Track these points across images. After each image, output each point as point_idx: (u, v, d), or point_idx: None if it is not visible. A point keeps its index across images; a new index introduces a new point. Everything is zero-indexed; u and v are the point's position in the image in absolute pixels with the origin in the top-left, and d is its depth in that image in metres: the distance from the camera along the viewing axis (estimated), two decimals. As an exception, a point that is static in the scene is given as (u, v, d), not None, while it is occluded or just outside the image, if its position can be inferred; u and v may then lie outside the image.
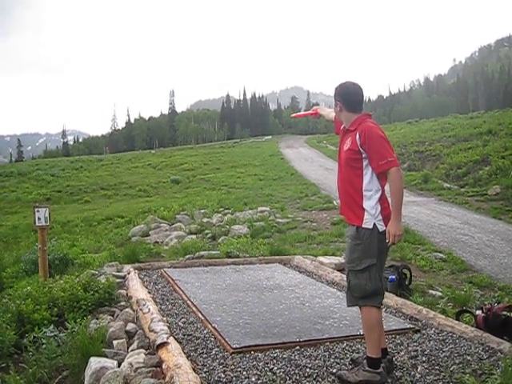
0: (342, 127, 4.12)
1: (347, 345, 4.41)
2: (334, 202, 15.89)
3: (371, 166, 3.73)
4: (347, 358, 4.10)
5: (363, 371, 3.66)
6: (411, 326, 4.93)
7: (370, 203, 3.75)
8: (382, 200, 3.78)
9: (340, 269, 7.68)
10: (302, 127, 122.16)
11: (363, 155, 3.75)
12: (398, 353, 4.24)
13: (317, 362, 4.01)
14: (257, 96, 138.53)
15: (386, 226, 3.68)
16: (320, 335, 4.57)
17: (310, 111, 4.97)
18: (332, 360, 4.05)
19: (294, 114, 5.61)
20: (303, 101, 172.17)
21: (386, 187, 3.75)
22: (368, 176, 3.76)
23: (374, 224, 3.71)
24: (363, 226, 3.72)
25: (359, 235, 3.75)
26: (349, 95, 4.01)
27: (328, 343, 4.42)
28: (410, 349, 4.34)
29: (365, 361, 3.72)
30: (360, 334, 4.59)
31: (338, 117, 4.22)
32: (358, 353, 4.20)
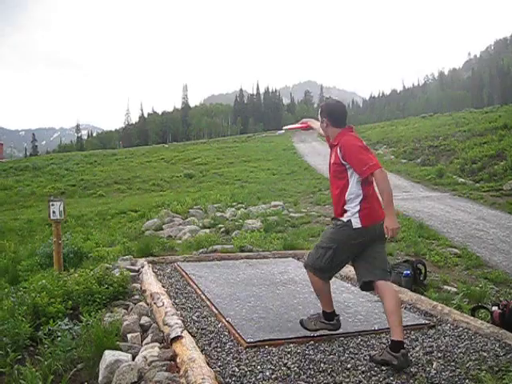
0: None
1: (361, 340, 4.40)
2: (348, 197, 15.85)
3: (357, 174, 4.11)
4: (362, 353, 4.09)
5: (320, 322, 4.43)
6: (426, 322, 4.90)
7: (351, 205, 4.17)
8: (362, 202, 4.16)
9: (354, 264, 7.67)
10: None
11: (347, 166, 4.17)
12: (413, 348, 4.21)
13: (331, 356, 4.00)
14: (270, 90, 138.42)
15: (364, 224, 4.10)
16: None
17: (301, 124, 5.20)
18: (346, 355, 4.03)
19: (286, 127, 5.67)
20: (316, 95, 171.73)
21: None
22: (353, 184, 4.18)
23: (350, 220, 4.13)
24: (341, 219, 4.22)
25: (335, 224, 4.29)
26: (334, 112, 4.43)
27: (342, 338, 4.41)
28: (425, 344, 4.31)
29: (321, 313, 4.46)
30: (375, 330, 4.59)
31: (324, 132, 4.60)
32: (372, 348, 4.19)
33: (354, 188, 4.16)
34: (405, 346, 3.89)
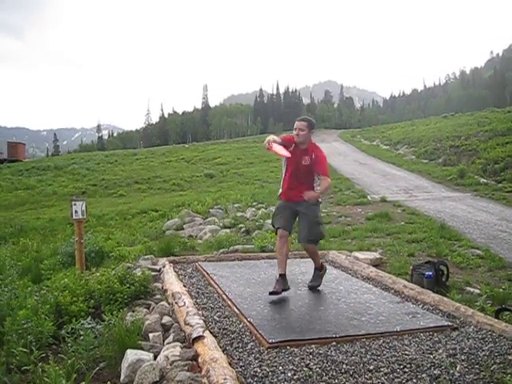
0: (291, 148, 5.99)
1: (384, 341, 4.36)
2: (369, 197, 15.79)
3: (321, 175, 5.97)
4: (384, 354, 4.05)
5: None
6: (449, 324, 4.85)
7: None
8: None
9: (375, 264, 7.64)
10: (336, 122, 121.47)
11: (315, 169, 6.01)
12: (436, 350, 4.16)
13: (353, 358, 3.97)
14: (290, 90, 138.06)
15: (284, 197, 6.24)
16: (356, 331, 4.53)
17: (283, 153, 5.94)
18: (369, 356, 4.00)
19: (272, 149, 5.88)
20: (336, 95, 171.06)
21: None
22: (316, 179, 6.06)
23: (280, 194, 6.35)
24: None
25: (316, 203, 6.06)
26: (314, 127, 6.26)
27: (364, 339, 4.38)
28: (448, 347, 4.26)
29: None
30: (397, 331, 4.55)
31: (302, 137, 6.06)
32: (395, 349, 4.16)
33: (317, 181, 5.99)
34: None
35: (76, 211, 7.63)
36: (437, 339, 4.46)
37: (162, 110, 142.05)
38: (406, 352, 4.09)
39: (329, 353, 4.07)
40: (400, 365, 3.82)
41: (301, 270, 7.19)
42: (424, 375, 3.64)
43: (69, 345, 4.36)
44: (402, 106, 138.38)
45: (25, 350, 4.27)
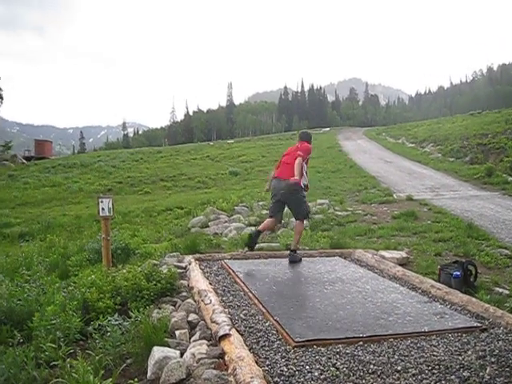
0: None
1: (412, 342, 4.31)
2: (394, 196, 15.67)
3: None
4: (412, 355, 4.01)
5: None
6: (478, 325, 4.78)
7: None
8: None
9: (402, 263, 7.57)
10: (361, 119, 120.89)
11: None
12: (465, 352, 4.10)
13: (381, 358, 3.94)
14: (315, 88, 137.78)
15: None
16: (383, 331, 4.49)
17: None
18: (396, 357, 3.96)
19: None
20: (361, 92, 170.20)
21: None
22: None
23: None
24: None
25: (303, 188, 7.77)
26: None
27: (392, 339, 4.33)
28: (477, 348, 4.19)
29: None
30: (425, 332, 4.50)
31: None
32: (423, 350, 4.11)
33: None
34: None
35: (103, 208, 7.69)
36: (465, 340, 4.39)
37: (186, 108, 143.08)
38: (435, 353, 4.04)
39: (356, 352, 4.04)
40: (428, 366, 3.77)
41: (326, 268, 7.15)
42: (453, 377, 3.59)
43: (96, 341, 4.39)
44: (427, 103, 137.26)
45: (53, 345, 4.31)
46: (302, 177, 7.58)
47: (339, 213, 13.00)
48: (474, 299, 5.58)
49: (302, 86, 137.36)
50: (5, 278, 7.35)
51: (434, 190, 17.23)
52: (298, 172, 7.44)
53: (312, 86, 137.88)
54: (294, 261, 7.62)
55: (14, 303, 5.59)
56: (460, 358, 3.91)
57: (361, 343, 4.24)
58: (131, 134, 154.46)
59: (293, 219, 10.18)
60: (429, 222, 11.28)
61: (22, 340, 4.65)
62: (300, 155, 7.65)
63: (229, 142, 62.17)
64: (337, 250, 8.50)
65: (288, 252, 7.96)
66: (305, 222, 8.22)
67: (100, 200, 7.76)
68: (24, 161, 56.22)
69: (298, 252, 7.89)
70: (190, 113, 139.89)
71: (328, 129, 78.27)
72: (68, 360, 4.02)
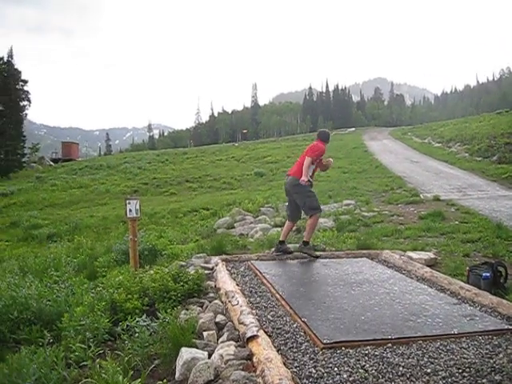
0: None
1: (441, 344, 4.24)
2: (421, 196, 15.54)
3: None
4: (442, 357, 3.95)
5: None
6: (509, 327, 4.69)
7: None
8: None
9: (430, 264, 7.50)
10: (386, 119, 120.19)
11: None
12: (497, 355, 4.02)
13: (410, 360, 3.88)
14: (339, 88, 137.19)
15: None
16: (412, 333, 4.43)
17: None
18: (426, 359, 3.90)
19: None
20: (386, 92, 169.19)
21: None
22: None
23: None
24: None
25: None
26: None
27: (421, 341, 4.27)
28: (509, 351, 4.10)
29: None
30: (454, 334, 4.44)
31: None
32: (452, 353, 4.05)
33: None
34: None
35: (130, 210, 7.75)
36: (496, 343, 4.31)
37: (211, 109, 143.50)
38: (465, 355, 3.98)
39: (384, 354, 4.00)
40: (459, 369, 3.72)
41: (353, 269, 7.11)
42: (484, 380, 3.53)
43: (125, 342, 4.42)
44: (453, 102, 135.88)
45: (83, 345, 4.35)
46: (307, 176, 7.99)
47: (365, 213, 12.93)
48: (504, 301, 5.48)
49: (327, 86, 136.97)
50: (34, 278, 7.45)
51: (461, 189, 17.06)
52: (305, 172, 7.89)
53: (337, 86, 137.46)
54: (301, 250, 8.14)
55: (43, 304, 5.67)
56: (491, 361, 3.85)
57: (389, 345, 4.19)
58: (157, 136, 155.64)
59: (320, 220, 10.17)
60: (456, 222, 11.16)
61: (51, 340, 4.70)
62: (309, 155, 8.02)
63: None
64: (364, 251, 8.45)
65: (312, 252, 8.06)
66: (318, 215, 8.33)
67: (127, 201, 7.82)
68: (51, 163, 57.06)
69: (309, 245, 8.17)
70: (215, 114, 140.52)
71: (353, 129, 77.99)
72: (97, 360, 4.05)
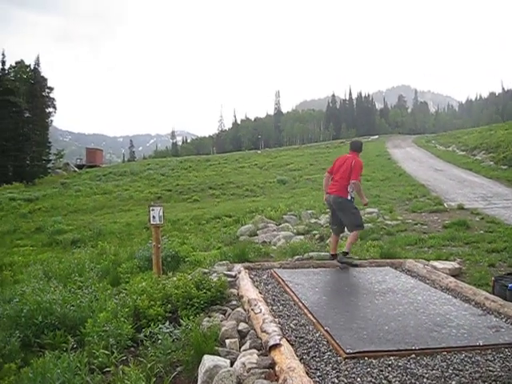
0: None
1: (466, 355, 4.18)
2: (445, 204, 15.39)
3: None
4: (467, 369, 3.89)
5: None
6: (536, 340, 4.62)
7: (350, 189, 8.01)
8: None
9: (454, 274, 7.42)
10: (409, 127, 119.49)
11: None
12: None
13: (434, 372, 3.84)
14: (363, 95, 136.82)
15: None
16: (436, 344, 4.38)
17: None
18: (450, 371, 3.85)
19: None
20: (410, 99, 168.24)
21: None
22: None
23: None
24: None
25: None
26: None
27: (445, 353, 4.22)
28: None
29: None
30: (479, 345, 4.38)
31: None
32: (478, 365, 4.00)
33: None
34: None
35: (154, 216, 7.80)
36: (524, 356, 4.25)
37: (234, 116, 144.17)
38: (491, 368, 3.92)
39: (408, 365, 3.96)
40: (484, 382, 3.66)
41: (377, 278, 7.06)
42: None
43: (148, 348, 4.44)
44: (478, 110, 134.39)
45: (106, 352, 4.38)
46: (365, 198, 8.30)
47: (389, 222, 12.85)
48: (531, 313, 5.41)
49: (350, 94, 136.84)
50: (58, 283, 7.53)
51: (486, 198, 16.85)
52: (362, 196, 8.17)
53: (360, 93, 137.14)
54: (340, 261, 7.98)
55: (67, 309, 5.73)
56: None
57: (413, 356, 4.15)
58: (180, 143, 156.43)
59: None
60: (481, 231, 11.03)
61: (75, 345, 4.74)
62: (358, 178, 8.05)
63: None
64: (387, 260, 8.39)
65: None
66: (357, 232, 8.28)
67: (151, 208, 7.87)
68: (76, 169, 57.66)
69: (348, 256, 8.09)
70: (238, 121, 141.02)
71: (376, 136, 77.63)
72: (120, 367, 4.08)
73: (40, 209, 29.04)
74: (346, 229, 8.40)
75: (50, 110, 68.05)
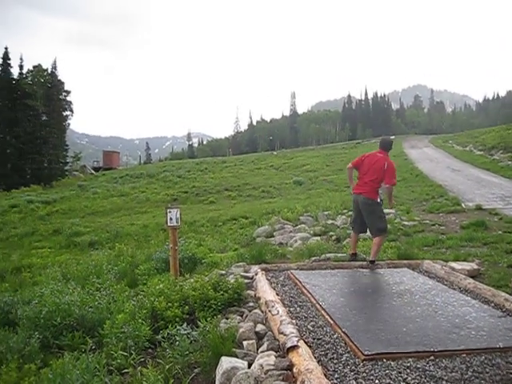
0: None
1: (486, 358, 4.14)
2: (463, 205, 15.28)
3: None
4: (487, 372, 3.86)
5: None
6: None
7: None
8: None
9: (473, 275, 7.35)
10: (426, 127, 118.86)
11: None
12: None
13: (453, 374, 3.81)
14: (378, 95, 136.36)
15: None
16: (455, 346, 4.34)
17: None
18: (470, 373, 3.82)
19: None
20: (426, 99, 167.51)
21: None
22: None
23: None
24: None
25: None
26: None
27: (465, 355, 4.18)
28: None
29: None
30: (500, 348, 4.33)
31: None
32: (498, 367, 3.95)
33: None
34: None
35: (171, 218, 7.82)
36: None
37: (250, 118, 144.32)
38: None
39: (427, 367, 3.93)
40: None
41: (394, 279, 7.02)
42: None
43: (166, 350, 4.45)
44: (496, 109, 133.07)
45: (124, 353, 4.40)
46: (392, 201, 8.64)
47: (406, 222, 12.77)
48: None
49: (366, 94, 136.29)
50: (76, 285, 7.57)
51: (504, 198, 16.70)
52: (391, 199, 8.51)
53: (376, 93, 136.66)
54: (372, 270, 7.77)
55: (85, 310, 5.77)
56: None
57: (432, 358, 4.12)
58: (196, 144, 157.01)
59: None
60: (500, 232, 10.93)
61: (93, 346, 4.77)
62: (393, 183, 8.23)
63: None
64: (405, 261, 8.33)
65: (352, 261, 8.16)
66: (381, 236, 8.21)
67: (168, 210, 7.89)
68: (93, 171, 58.11)
69: (375, 263, 7.97)
70: (254, 122, 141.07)
71: (393, 137, 77.18)
72: (139, 368, 4.10)
73: (58, 211, 29.26)
74: (368, 231, 8.41)
75: (67, 113, 68.77)
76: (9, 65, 59.64)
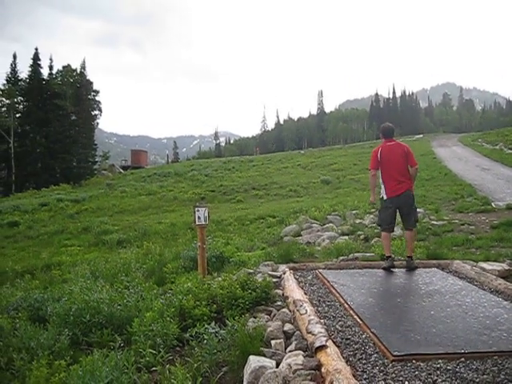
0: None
1: (518, 360, 4.09)
2: (493, 204, 15.06)
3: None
4: (519, 374, 3.80)
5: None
6: None
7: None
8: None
9: (504, 276, 7.24)
10: (455, 125, 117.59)
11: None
12: None
13: (485, 376, 3.74)
14: (406, 93, 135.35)
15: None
16: (487, 348, 4.26)
17: None
18: (502, 376, 3.74)
19: None
20: (455, 97, 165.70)
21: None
22: None
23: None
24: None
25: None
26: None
27: (496, 357, 4.10)
28: None
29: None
30: (532, 350, 4.25)
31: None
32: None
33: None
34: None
35: (199, 217, 7.85)
36: None
37: (277, 117, 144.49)
38: (545, 374, 3.82)
39: (457, 369, 3.87)
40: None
41: (424, 280, 6.95)
42: None
43: (194, 348, 4.47)
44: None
45: (153, 351, 4.43)
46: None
47: (435, 222, 12.64)
48: None
49: (394, 93, 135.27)
50: (105, 283, 7.65)
51: (536, 198, 16.43)
52: (414, 180, 8.12)
53: (404, 91, 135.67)
54: (410, 267, 7.72)
55: (114, 308, 5.83)
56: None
57: (462, 359, 4.05)
58: (223, 144, 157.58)
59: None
60: (532, 232, 10.75)
61: (122, 344, 4.80)
62: (417, 164, 8.03)
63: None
64: (434, 261, 8.24)
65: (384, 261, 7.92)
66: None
67: (196, 209, 7.92)
68: (121, 170, 58.66)
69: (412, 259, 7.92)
70: (281, 121, 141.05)
71: (421, 135, 76.68)
72: (167, 366, 4.11)
73: (86, 209, 29.55)
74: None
75: (96, 112, 69.59)
76: (39, 65, 60.70)
